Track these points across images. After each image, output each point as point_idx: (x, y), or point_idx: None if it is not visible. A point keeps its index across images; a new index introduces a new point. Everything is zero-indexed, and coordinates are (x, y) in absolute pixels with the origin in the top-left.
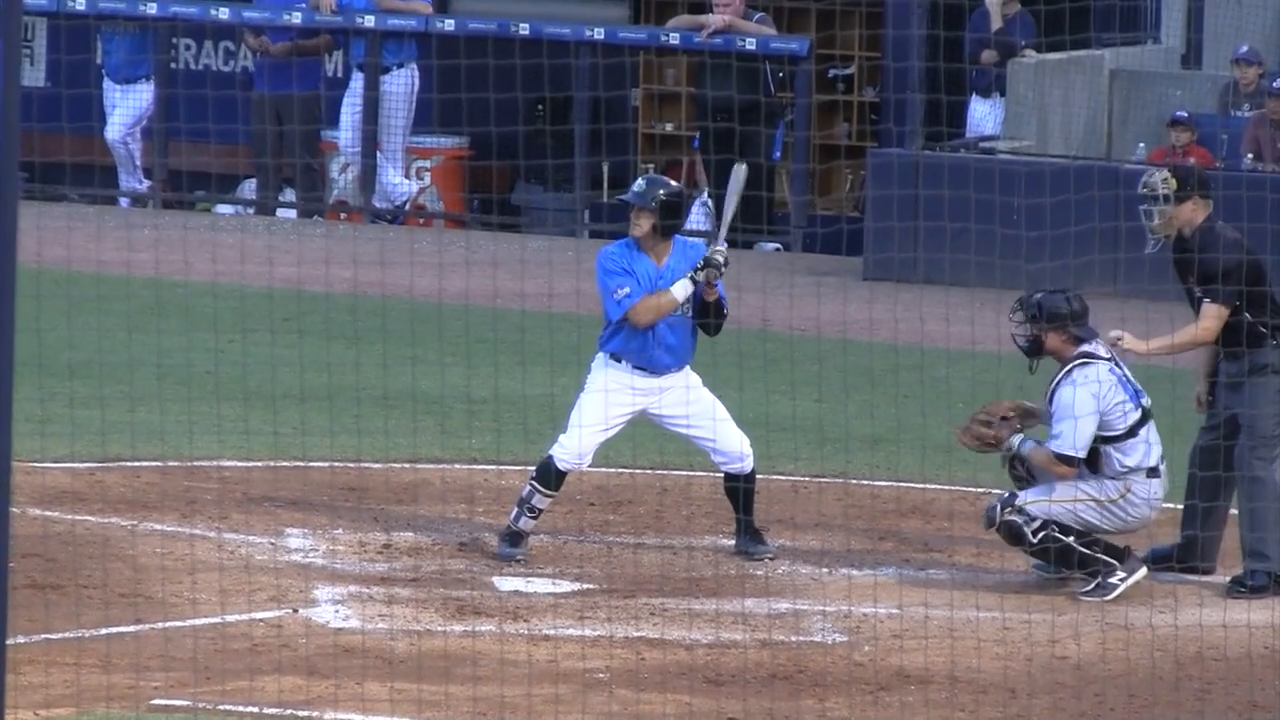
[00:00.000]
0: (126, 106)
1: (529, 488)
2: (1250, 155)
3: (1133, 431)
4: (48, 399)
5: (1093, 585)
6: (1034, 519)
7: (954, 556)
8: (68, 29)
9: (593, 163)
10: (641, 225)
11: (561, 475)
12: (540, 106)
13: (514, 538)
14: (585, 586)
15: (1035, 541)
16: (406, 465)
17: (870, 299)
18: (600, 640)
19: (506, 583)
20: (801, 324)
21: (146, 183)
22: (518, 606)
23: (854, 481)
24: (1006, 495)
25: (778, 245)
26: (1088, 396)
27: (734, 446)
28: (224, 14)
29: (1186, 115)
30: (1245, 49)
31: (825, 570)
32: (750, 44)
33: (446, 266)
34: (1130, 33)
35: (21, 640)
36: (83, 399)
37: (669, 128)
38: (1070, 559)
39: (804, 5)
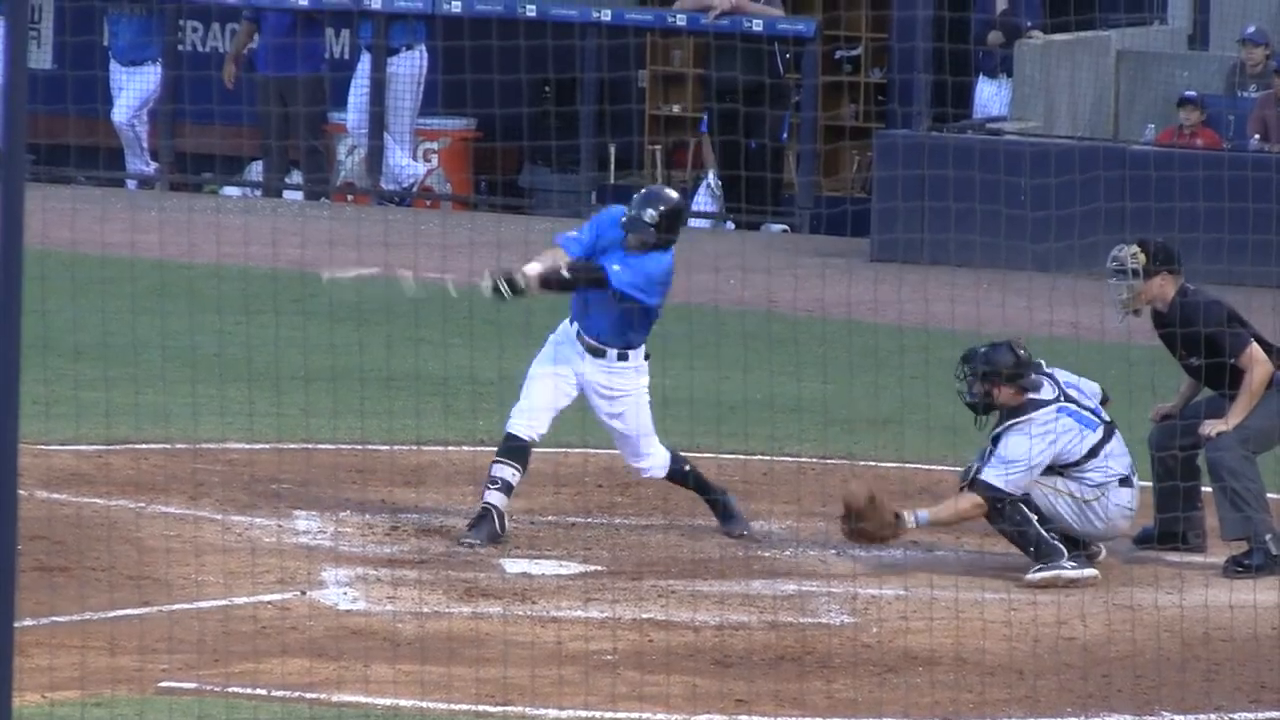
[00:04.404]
0: (133, 89)
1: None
2: (1257, 136)
3: (1093, 453)
4: (53, 381)
5: (1039, 566)
6: (1011, 488)
7: (960, 538)
8: (74, 11)
9: (599, 144)
10: (637, 244)
11: (509, 439)
12: (547, 88)
13: (480, 516)
14: (591, 568)
15: (1005, 512)
16: (412, 447)
17: (876, 280)
18: (606, 622)
19: (513, 565)
20: (807, 305)
21: (153, 165)
22: (524, 588)
23: (860, 463)
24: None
25: (784, 226)
26: (1027, 445)
27: (633, 462)
28: None
29: (1196, 95)
30: (1252, 29)
31: (831, 552)
32: (757, 25)
33: (452, 248)
34: (1137, 13)
35: (29, 623)
36: (88, 381)
37: (676, 109)
38: (1025, 538)
39: None
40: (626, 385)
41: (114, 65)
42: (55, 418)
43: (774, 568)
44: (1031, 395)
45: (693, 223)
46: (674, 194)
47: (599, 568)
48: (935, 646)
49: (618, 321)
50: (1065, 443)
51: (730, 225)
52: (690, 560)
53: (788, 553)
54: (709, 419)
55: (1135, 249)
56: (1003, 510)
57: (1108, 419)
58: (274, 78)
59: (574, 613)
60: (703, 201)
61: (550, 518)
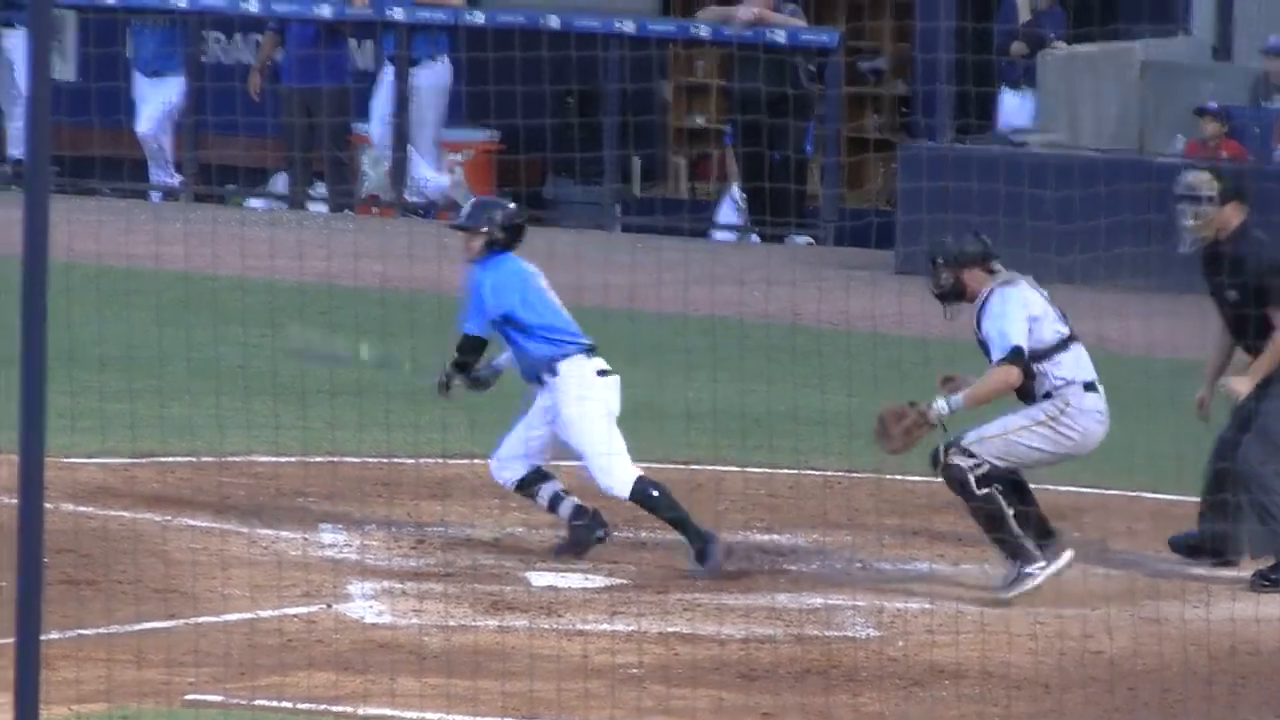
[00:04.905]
0: (156, 100)
1: None
2: None
3: (1064, 345)
4: (79, 394)
5: (1012, 577)
6: (980, 464)
7: (986, 551)
8: (97, 23)
9: (623, 156)
10: (473, 248)
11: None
12: (569, 99)
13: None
14: (617, 581)
15: (978, 494)
16: (437, 460)
17: (900, 292)
18: (632, 635)
19: (538, 578)
20: (832, 318)
21: (178, 176)
22: (550, 602)
23: (886, 476)
24: (952, 436)
25: (808, 239)
26: (1014, 303)
27: (598, 479)
28: (253, 7)
29: (1216, 106)
30: (1275, 40)
31: (858, 565)
32: (780, 36)
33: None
34: (1161, 24)
35: (55, 636)
36: (113, 393)
37: (700, 121)
38: (998, 527)
39: None
40: (567, 396)
41: (137, 76)
42: (81, 431)
43: (799, 581)
44: (998, 278)
45: (717, 235)
46: (497, 199)
47: (625, 581)
48: (961, 660)
49: (518, 352)
50: (1036, 305)
51: (755, 238)
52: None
53: (813, 566)
54: (734, 432)
55: (1208, 176)
56: (981, 496)
57: (1072, 328)
58: (298, 89)
59: (600, 626)
60: (727, 214)
61: None
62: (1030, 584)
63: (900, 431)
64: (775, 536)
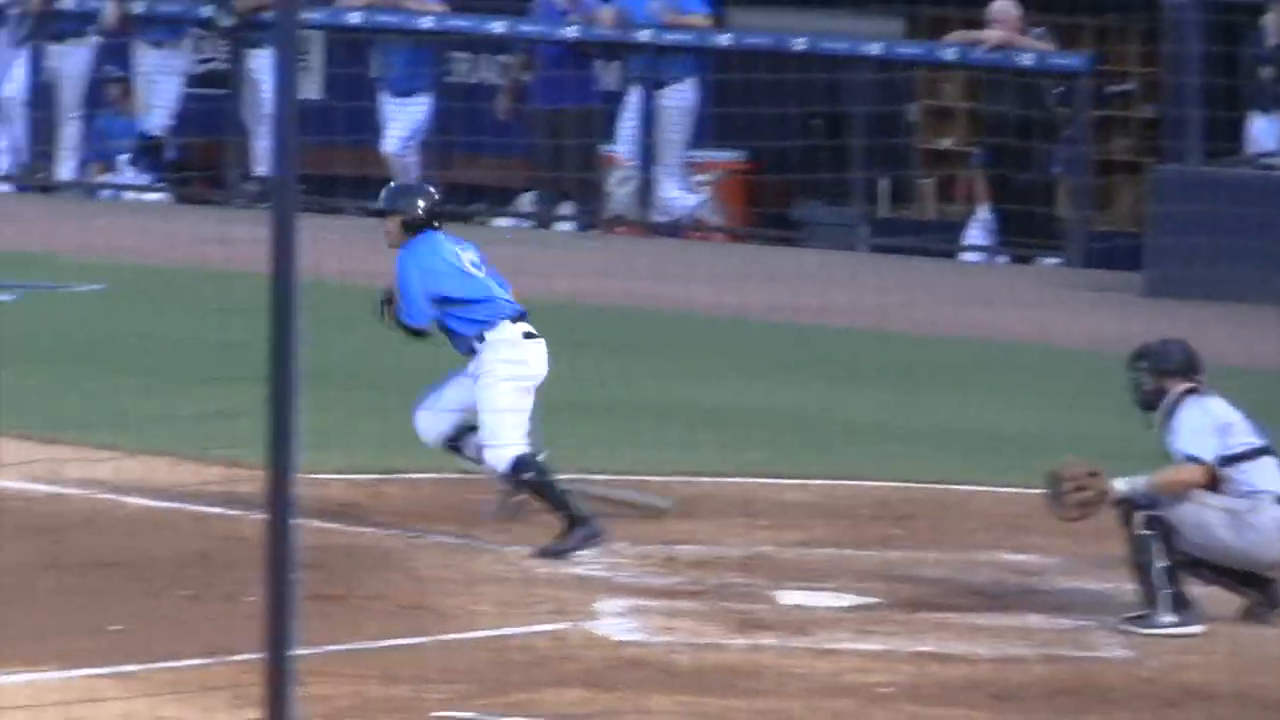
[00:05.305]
0: (404, 119)
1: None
2: None
3: (1255, 455)
4: (324, 410)
5: (1140, 615)
6: (1155, 508)
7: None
8: (343, 43)
9: (870, 177)
10: (392, 233)
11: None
12: (816, 120)
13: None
14: (867, 600)
15: (1141, 528)
16: (685, 479)
17: (1150, 315)
18: (882, 654)
19: (788, 596)
20: (1081, 340)
21: None
22: (800, 620)
23: None
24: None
25: (1057, 260)
26: (1202, 411)
27: (481, 438)
28: (499, 27)
29: None
30: None
31: (1110, 585)
32: (1028, 59)
33: (725, 280)
34: None
35: (304, 651)
36: (360, 411)
37: (948, 143)
38: (1144, 574)
39: (1081, 21)
40: (494, 357)
41: (385, 96)
42: (328, 447)
43: (1050, 601)
44: (1197, 389)
45: (966, 256)
46: (417, 184)
47: (874, 600)
48: (1213, 681)
49: (450, 326)
50: (1227, 415)
51: (1003, 259)
52: (965, 592)
53: (1064, 586)
54: (984, 451)
55: None
56: (1141, 529)
57: (1269, 442)
58: (546, 109)
59: (849, 645)
60: (975, 235)
61: (825, 549)
62: (1153, 631)
63: (1076, 502)
64: (1026, 557)
